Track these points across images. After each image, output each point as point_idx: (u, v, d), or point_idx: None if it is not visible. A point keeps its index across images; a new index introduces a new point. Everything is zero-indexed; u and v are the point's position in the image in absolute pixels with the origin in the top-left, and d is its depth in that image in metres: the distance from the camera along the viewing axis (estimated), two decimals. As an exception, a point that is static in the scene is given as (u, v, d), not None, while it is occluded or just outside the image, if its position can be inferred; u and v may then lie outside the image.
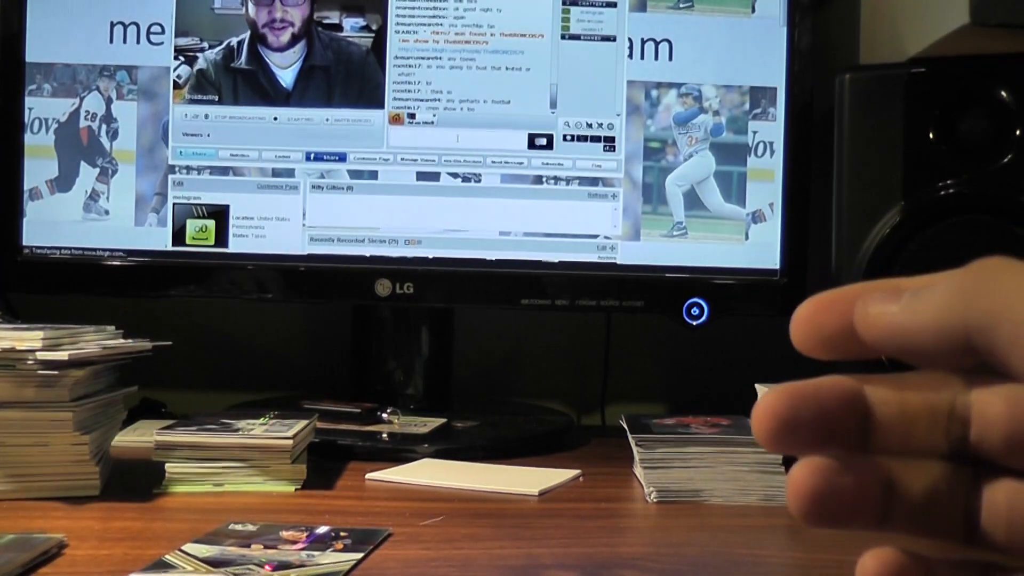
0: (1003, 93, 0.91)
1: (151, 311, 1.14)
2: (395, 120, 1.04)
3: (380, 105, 1.04)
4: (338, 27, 1.04)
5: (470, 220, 1.04)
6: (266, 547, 0.66)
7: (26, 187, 1.03)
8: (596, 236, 1.05)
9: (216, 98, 1.04)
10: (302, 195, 1.04)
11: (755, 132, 1.05)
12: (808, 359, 0.30)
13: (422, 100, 1.04)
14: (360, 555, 0.65)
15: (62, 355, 0.75)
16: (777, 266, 1.05)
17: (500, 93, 1.04)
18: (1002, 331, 0.26)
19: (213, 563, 0.62)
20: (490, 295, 1.05)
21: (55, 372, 0.75)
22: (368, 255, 1.04)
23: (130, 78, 1.04)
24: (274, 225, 1.04)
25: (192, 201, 1.04)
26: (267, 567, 0.62)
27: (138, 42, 1.03)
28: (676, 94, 1.05)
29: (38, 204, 1.03)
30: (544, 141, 1.04)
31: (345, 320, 1.13)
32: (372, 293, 1.04)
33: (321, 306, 1.23)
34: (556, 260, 1.04)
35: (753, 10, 1.05)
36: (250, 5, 1.04)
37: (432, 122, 1.04)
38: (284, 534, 0.68)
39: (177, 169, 1.04)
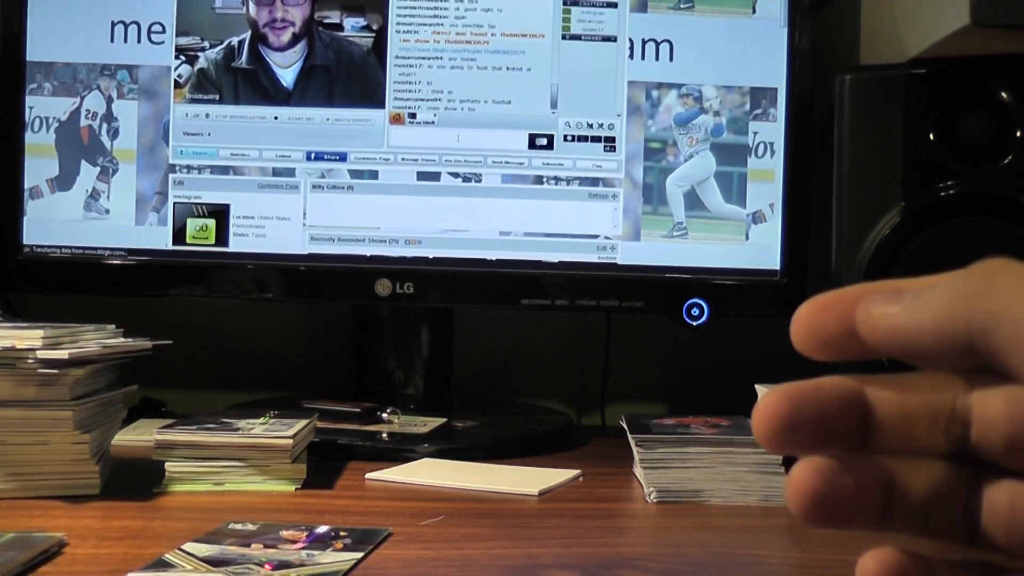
0: (1003, 94, 0.91)
1: (151, 310, 1.14)
2: (396, 120, 1.04)
3: (381, 105, 1.04)
4: (339, 27, 1.04)
5: (470, 220, 1.04)
6: (266, 546, 0.66)
7: (27, 186, 1.03)
8: (596, 236, 1.05)
9: (217, 97, 1.04)
10: (303, 195, 1.04)
11: (755, 133, 1.05)
12: (808, 360, 0.30)
13: (423, 100, 1.04)
14: (360, 555, 0.65)
15: (62, 354, 0.75)
16: (777, 266, 1.05)
17: (501, 93, 1.04)
18: (1003, 332, 0.26)
19: (213, 562, 0.62)
20: (490, 295, 1.05)
21: (55, 371, 0.76)
22: (368, 255, 1.04)
23: (131, 77, 1.04)
24: (274, 225, 1.04)
25: (193, 200, 1.04)
26: (267, 566, 0.62)
27: (139, 41, 1.04)
28: (677, 94, 1.05)
29: (38, 203, 1.03)
30: (545, 141, 1.04)
31: (345, 320, 1.14)
32: (372, 293, 1.04)
33: (321, 306, 1.23)
34: (556, 260, 1.04)
35: (754, 11, 1.05)
36: (251, 5, 1.04)
37: (433, 122, 1.04)
38: (284, 533, 0.68)
39: (178, 168, 1.04)
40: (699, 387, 1.24)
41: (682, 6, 1.05)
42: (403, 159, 1.04)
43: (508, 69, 1.04)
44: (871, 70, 0.95)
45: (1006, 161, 0.91)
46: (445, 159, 1.04)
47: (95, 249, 1.04)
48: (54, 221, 1.03)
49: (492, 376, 1.25)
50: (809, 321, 0.29)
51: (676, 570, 0.66)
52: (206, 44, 1.04)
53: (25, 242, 1.03)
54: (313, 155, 1.04)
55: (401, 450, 0.94)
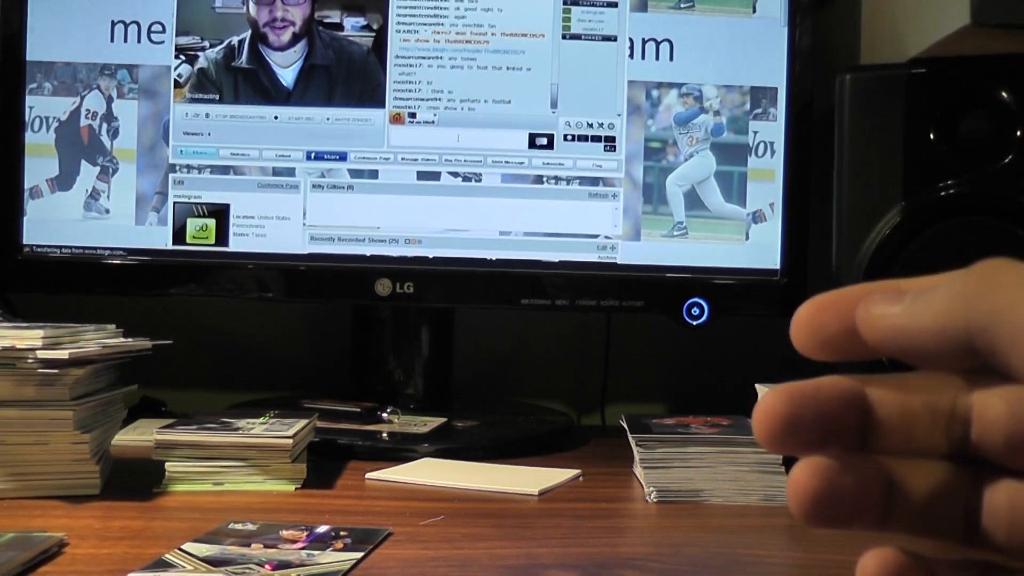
0: (1004, 94, 0.91)
1: (151, 310, 1.14)
2: (396, 119, 1.04)
3: (381, 104, 1.04)
4: (339, 26, 1.04)
5: (470, 220, 1.04)
6: (266, 546, 0.66)
7: (27, 186, 1.03)
8: (596, 236, 1.05)
9: (217, 97, 1.04)
10: (303, 194, 1.04)
11: (756, 132, 1.05)
12: (809, 361, 0.30)
13: (423, 99, 1.04)
14: (360, 555, 0.65)
15: (62, 354, 0.75)
16: (777, 266, 1.05)
17: (501, 93, 1.04)
18: (1003, 332, 0.26)
19: (213, 562, 0.62)
20: (490, 295, 1.05)
21: (55, 371, 0.76)
22: (368, 255, 1.04)
23: (131, 77, 1.04)
24: (274, 224, 1.04)
25: (193, 200, 1.04)
26: (267, 566, 0.62)
27: (139, 41, 1.04)
28: (677, 94, 1.05)
29: (38, 203, 1.03)
30: (545, 141, 1.04)
31: (345, 320, 1.13)
32: (372, 293, 1.04)
33: (321, 306, 1.23)
34: (556, 260, 1.04)
35: (754, 10, 1.05)
36: (251, 4, 1.04)
37: (433, 121, 1.04)
38: (284, 533, 0.68)
39: (178, 168, 1.04)
40: (699, 387, 1.24)
41: (682, 6, 1.05)
42: (403, 159, 1.04)
43: (508, 69, 1.04)
44: (871, 70, 0.95)
45: (1006, 161, 0.91)
46: (445, 159, 1.04)
47: (95, 249, 1.04)
48: (54, 221, 1.03)
49: (492, 376, 1.25)
50: (809, 321, 0.29)
51: (676, 570, 0.66)
52: (206, 44, 1.04)
53: (25, 242, 1.03)
54: (313, 155, 1.04)
55: (401, 450, 0.94)
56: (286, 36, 1.04)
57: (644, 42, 1.05)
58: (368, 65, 1.04)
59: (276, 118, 1.04)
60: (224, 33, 1.04)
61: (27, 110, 1.03)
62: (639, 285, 1.04)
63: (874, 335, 0.29)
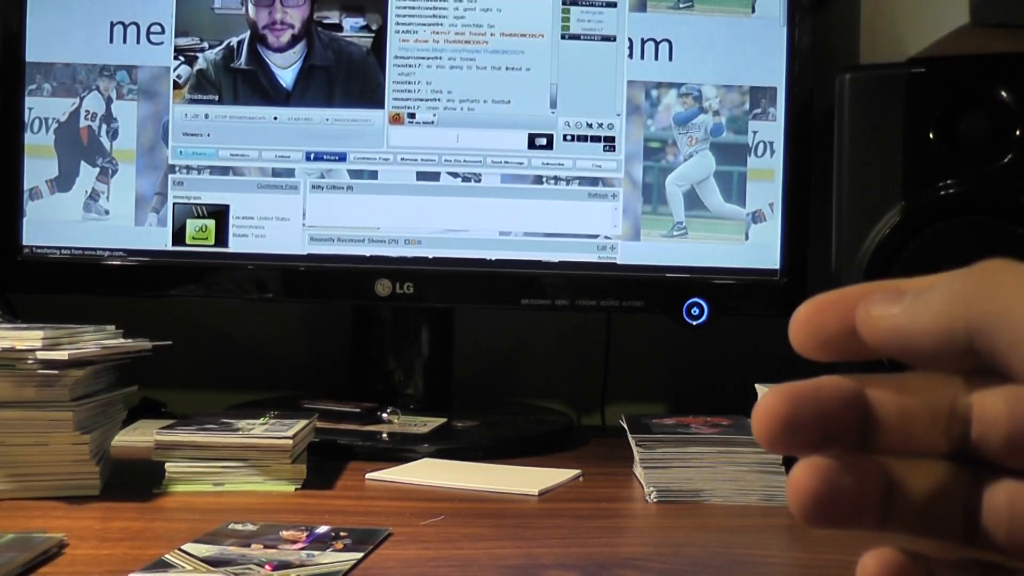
0: (1003, 93, 0.91)
1: (151, 310, 1.14)
2: (395, 120, 1.04)
3: (380, 105, 1.04)
4: (338, 27, 1.04)
5: (470, 220, 1.04)
6: (266, 547, 0.66)
7: (26, 187, 1.03)
8: (596, 236, 1.05)
9: (216, 98, 1.04)
10: (302, 195, 1.04)
11: (755, 132, 1.05)
12: (808, 361, 0.30)
13: (422, 100, 1.04)
14: (360, 555, 0.65)
15: (62, 355, 0.75)
16: (777, 266, 1.05)
17: (500, 93, 1.04)
18: (1003, 333, 0.26)
19: (213, 563, 0.62)
20: (490, 295, 1.05)
21: (55, 372, 0.75)
22: (368, 255, 1.04)
23: (130, 78, 1.04)
24: (274, 225, 1.04)
25: (192, 201, 1.04)
26: (267, 567, 0.62)
27: (138, 42, 1.04)
28: (676, 94, 1.05)
29: (38, 204, 1.03)
30: (544, 141, 1.04)
31: (345, 320, 1.13)
32: (372, 293, 1.04)
33: (321, 306, 1.23)
34: (556, 260, 1.04)
35: (753, 10, 1.05)
36: (250, 5, 1.04)
37: (432, 122, 1.04)
38: (284, 534, 0.68)
39: (177, 169, 1.04)
40: (699, 387, 1.24)
41: (681, 6, 1.05)
42: (403, 159, 1.04)
43: (507, 69, 1.04)
44: (871, 70, 0.95)
45: (1006, 161, 0.91)
46: (445, 159, 1.04)
47: (95, 250, 1.04)
48: (54, 222, 1.03)
49: (492, 376, 1.25)
50: (808, 321, 0.29)
51: (676, 570, 0.66)
52: (205, 45, 1.04)
53: (25, 243, 1.03)
54: (312, 155, 1.04)
55: (401, 450, 0.94)
56: (285, 37, 1.04)
57: (643, 42, 1.05)
58: (367, 66, 1.04)
59: (275, 119, 1.04)
60: (223, 34, 1.04)
61: (26, 111, 1.03)
62: (639, 285, 1.04)
63: (874, 336, 0.29)
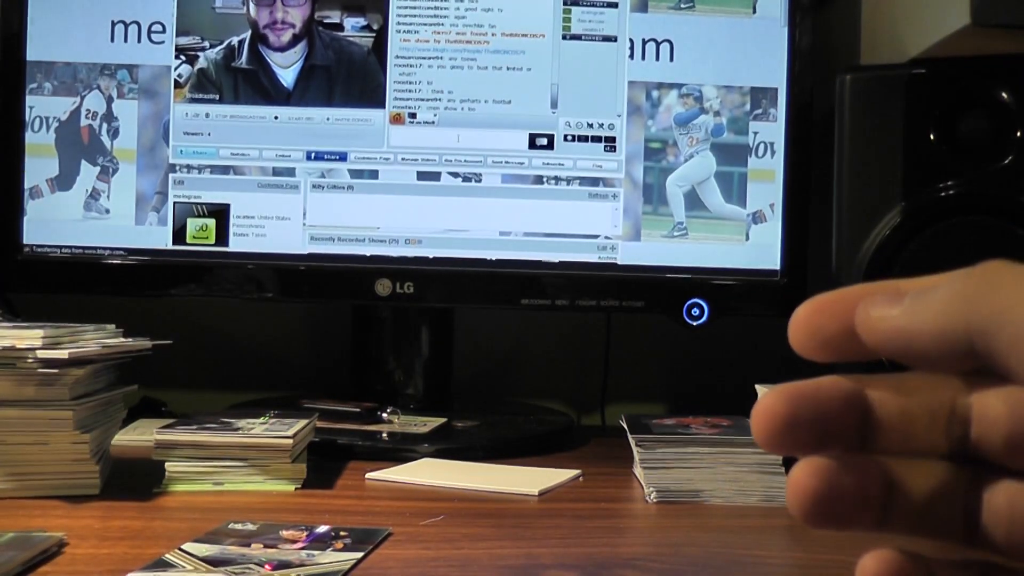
0: (1003, 94, 0.91)
1: (151, 310, 1.14)
2: (396, 120, 1.04)
3: (381, 105, 1.04)
4: (339, 27, 1.04)
5: (470, 220, 1.04)
6: (266, 546, 0.66)
7: (27, 186, 1.03)
8: (596, 236, 1.05)
9: (217, 97, 1.04)
10: (303, 194, 1.04)
11: (756, 133, 1.05)
12: (808, 362, 0.30)
13: (423, 100, 1.04)
14: (360, 555, 0.65)
15: (62, 354, 0.75)
16: (777, 266, 1.05)
17: (501, 93, 1.04)
18: (1003, 335, 0.26)
19: (213, 562, 0.62)
20: (490, 295, 1.05)
21: (55, 371, 0.76)
22: (368, 255, 1.04)
23: (131, 77, 1.04)
24: (274, 224, 1.04)
25: (193, 200, 1.04)
26: (267, 566, 0.62)
27: (139, 41, 1.04)
28: (677, 94, 1.05)
29: (39, 203, 1.03)
30: (545, 141, 1.04)
31: (345, 320, 1.14)
32: (372, 293, 1.04)
33: (321, 306, 1.23)
34: (556, 260, 1.04)
35: (754, 11, 1.05)
36: (251, 5, 1.04)
37: (433, 122, 1.04)
38: (284, 533, 0.68)
39: (178, 168, 1.04)
40: (699, 387, 1.24)
41: (682, 6, 1.05)
42: (403, 159, 1.04)
43: (508, 69, 1.04)
44: (871, 70, 0.95)
45: (1006, 161, 0.91)
46: (445, 159, 1.04)
47: (95, 249, 1.04)
48: (54, 221, 1.03)
49: (492, 376, 1.25)
50: (808, 322, 0.29)
51: (676, 570, 0.66)
52: (206, 44, 1.04)
53: (25, 242, 1.03)
54: (313, 155, 1.04)
55: (401, 450, 0.94)
56: (286, 37, 1.04)
57: (644, 42, 1.05)
58: (368, 65, 1.04)
59: (276, 118, 1.04)
60: (224, 33, 1.04)
61: (27, 110, 1.03)
62: (639, 285, 1.04)
63: (873, 337, 0.29)
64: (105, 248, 1.04)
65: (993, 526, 0.28)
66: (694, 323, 1.03)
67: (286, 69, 1.04)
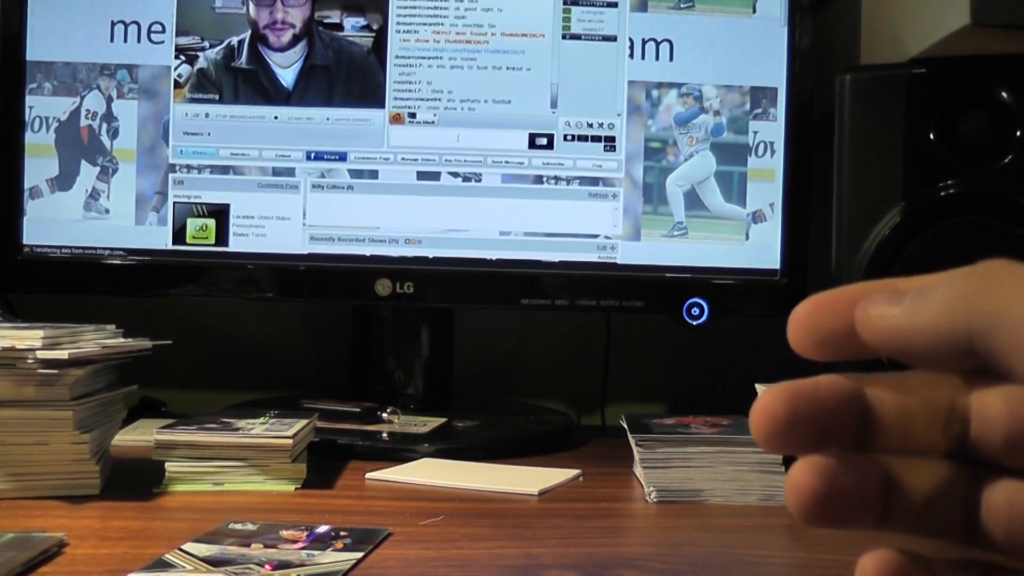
0: (1003, 94, 0.91)
1: (151, 310, 1.14)
2: (396, 120, 1.04)
3: (381, 105, 1.04)
4: (339, 27, 1.04)
5: (470, 220, 1.04)
6: (266, 546, 0.66)
7: (26, 186, 1.03)
8: (596, 236, 1.05)
9: (217, 97, 1.04)
10: (302, 194, 1.04)
11: (756, 132, 1.05)
12: (808, 361, 0.30)
13: (423, 100, 1.04)
14: (360, 555, 0.65)
15: (62, 354, 0.75)
16: (777, 266, 1.05)
17: (501, 93, 1.04)
18: (1003, 334, 0.26)
19: (213, 562, 0.62)
20: (490, 295, 1.05)
21: (55, 371, 0.76)
22: (368, 255, 1.04)
23: (131, 77, 1.04)
24: (274, 224, 1.04)
25: (192, 200, 1.04)
26: (267, 566, 0.62)
27: (139, 41, 1.04)
28: (677, 94, 1.05)
29: (38, 203, 1.03)
30: (545, 141, 1.04)
31: (345, 320, 1.13)
32: (372, 293, 1.04)
33: (321, 306, 1.23)
34: (556, 260, 1.04)
35: (754, 10, 1.05)
36: (251, 5, 1.04)
37: (433, 122, 1.04)
38: (284, 533, 0.68)
39: (177, 168, 1.04)
40: (699, 387, 1.24)
41: (682, 6, 1.05)
42: (403, 159, 1.04)
43: (508, 69, 1.04)
44: (871, 70, 0.95)
45: (1006, 161, 0.91)
46: (445, 159, 1.04)
47: (95, 249, 1.04)
48: (54, 221, 1.03)
49: (492, 376, 1.25)
50: (807, 320, 0.29)
51: (676, 570, 0.66)
52: (206, 44, 1.04)
53: (25, 242, 1.03)
54: (313, 155, 1.04)
55: (401, 450, 0.94)
56: (286, 37, 1.04)
57: (644, 42, 1.05)
58: (368, 65, 1.04)
59: (276, 118, 1.04)
60: (224, 33, 1.04)
61: (27, 110, 1.03)
62: (639, 285, 1.04)
63: (873, 336, 0.29)
64: (105, 248, 1.04)
65: (993, 525, 0.28)
66: (694, 323, 1.03)
67: (286, 69, 1.04)
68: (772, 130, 1.04)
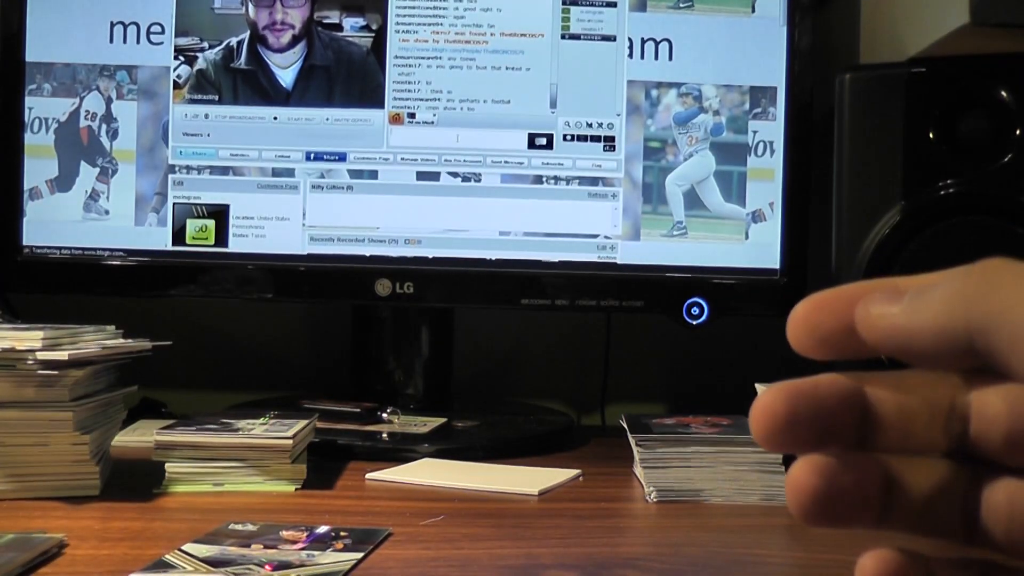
0: (1003, 93, 0.91)
1: (151, 310, 1.14)
2: (395, 120, 1.04)
3: (380, 105, 1.04)
4: (338, 27, 1.04)
5: (470, 220, 1.04)
6: (266, 547, 0.66)
7: (26, 187, 1.03)
8: (596, 236, 1.05)
9: (216, 98, 1.04)
10: (302, 195, 1.04)
11: (755, 132, 1.05)
12: (808, 361, 0.30)
13: (422, 100, 1.04)
14: (360, 555, 0.65)
15: (62, 355, 0.75)
16: (777, 266, 1.05)
17: (500, 93, 1.04)
18: (1003, 333, 0.26)
19: (213, 563, 0.62)
20: (490, 295, 1.05)
21: (55, 372, 0.75)
22: (368, 255, 1.04)
23: (130, 78, 1.04)
24: (274, 225, 1.04)
25: (192, 201, 1.04)
26: (267, 567, 0.62)
27: (138, 42, 1.04)
28: (676, 94, 1.05)
29: (38, 204, 1.03)
30: (544, 141, 1.04)
31: (345, 320, 1.13)
32: (372, 293, 1.04)
33: (321, 306, 1.23)
34: (556, 260, 1.04)
35: (753, 10, 1.05)
36: (250, 6, 1.04)
37: (432, 122, 1.04)
38: (284, 534, 0.68)
39: (177, 169, 1.04)
40: (699, 387, 1.24)
41: (681, 5, 1.05)
42: (403, 159, 1.04)
43: (507, 69, 1.04)
44: (871, 69, 0.95)
45: (1006, 160, 0.91)
46: (445, 159, 1.04)
47: (95, 250, 1.04)
48: (54, 222, 1.03)
49: (492, 376, 1.25)
50: (806, 319, 0.29)
51: (676, 570, 0.66)
52: (205, 45, 1.04)
53: (25, 243, 1.03)
54: (312, 155, 1.04)
55: (401, 450, 0.94)
56: (286, 38, 1.04)
57: (643, 42, 1.05)
58: (367, 65, 1.04)
59: (275, 119, 1.04)
60: (223, 34, 1.04)
61: (26, 111, 1.03)
62: (639, 285, 1.04)
63: (873, 335, 0.29)
64: (105, 249, 1.04)
65: (992, 524, 0.28)
66: (694, 323, 1.03)
67: (285, 69, 1.04)
68: (772, 130, 1.04)
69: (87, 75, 1.03)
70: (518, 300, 1.04)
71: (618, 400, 1.23)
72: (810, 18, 1.05)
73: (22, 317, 1.00)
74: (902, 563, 0.28)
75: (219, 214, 1.04)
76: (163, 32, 1.03)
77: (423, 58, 1.04)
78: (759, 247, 1.05)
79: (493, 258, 1.04)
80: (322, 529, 0.70)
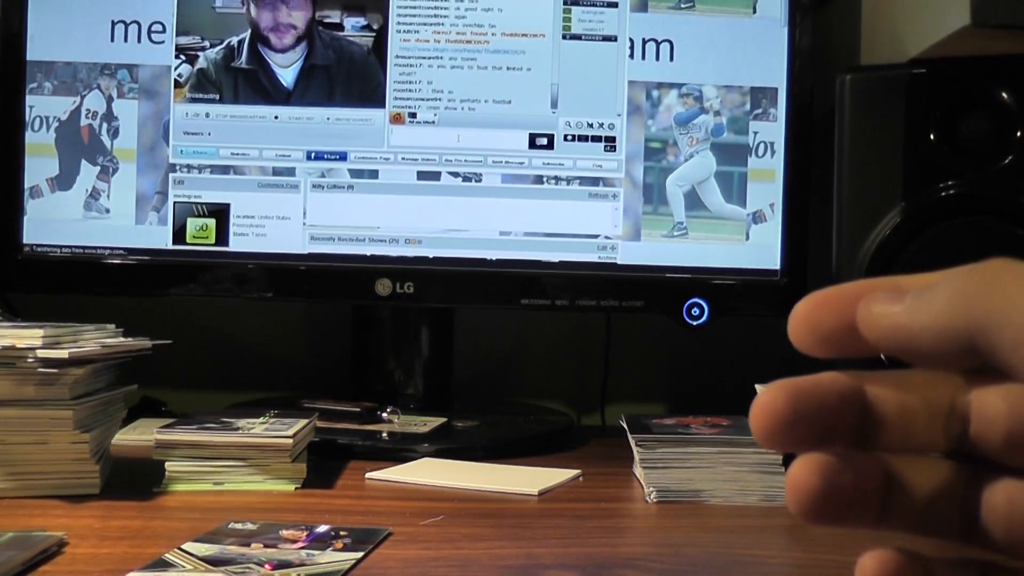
0: (1004, 94, 0.91)
1: (151, 310, 1.14)
2: (396, 119, 1.04)
3: (381, 104, 1.04)
4: (339, 26, 1.04)
5: (471, 220, 1.04)
6: (266, 546, 0.66)
7: (27, 185, 1.03)
8: (596, 236, 1.05)
9: (217, 97, 1.04)
10: (303, 194, 1.04)
11: (756, 132, 1.05)
12: (808, 360, 0.30)
13: (423, 99, 1.04)
14: (360, 554, 0.65)
15: (62, 353, 0.75)
16: (777, 266, 1.05)
17: (501, 93, 1.04)
18: (1004, 334, 0.26)
19: (213, 562, 0.62)
20: (490, 295, 1.05)
21: (55, 370, 0.75)
22: (368, 254, 1.04)
23: (131, 77, 1.04)
24: (275, 224, 1.04)
25: (193, 200, 1.04)
26: (267, 566, 0.62)
27: (139, 41, 1.04)
28: (677, 94, 1.05)
29: (39, 202, 1.03)
30: (545, 141, 1.04)
31: (345, 320, 1.13)
32: (372, 293, 1.04)
33: (321, 306, 1.23)
34: (556, 260, 1.04)
35: (754, 10, 1.05)
36: (251, 5, 1.04)
37: (433, 122, 1.04)
38: (284, 533, 0.68)
39: (178, 168, 1.04)
40: (699, 387, 1.24)
41: (682, 6, 1.05)
42: (403, 159, 1.04)
43: (508, 69, 1.04)
44: (871, 70, 0.95)
45: (1006, 161, 0.91)
46: (445, 159, 1.04)
47: (95, 249, 1.04)
48: (54, 220, 1.03)
49: (492, 376, 1.25)
50: (807, 317, 0.29)
51: (676, 570, 0.66)
52: (206, 44, 1.04)
53: (25, 242, 1.03)
54: (313, 155, 1.04)
55: (401, 450, 0.94)
56: (288, 39, 1.04)
57: (644, 42, 1.05)
58: (368, 65, 1.04)
59: (276, 118, 1.04)
60: (224, 33, 1.04)
61: (27, 110, 1.03)
62: (639, 285, 1.04)
63: (875, 334, 0.29)
64: (105, 248, 1.04)
65: (992, 524, 0.28)
66: (694, 323, 1.03)
67: (286, 69, 1.04)
68: (772, 130, 1.04)
69: (88, 74, 1.03)
70: (518, 300, 1.04)
71: (618, 400, 1.23)
72: (811, 19, 1.05)
73: (22, 315, 1.00)
74: (902, 563, 0.28)
75: (220, 213, 1.04)
76: (164, 31, 1.03)
77: (424, 58, 1.04)
78: (759, 248, 1.05)
79: (493, 258, 1.04)
80: (322, 528, 0.70)
